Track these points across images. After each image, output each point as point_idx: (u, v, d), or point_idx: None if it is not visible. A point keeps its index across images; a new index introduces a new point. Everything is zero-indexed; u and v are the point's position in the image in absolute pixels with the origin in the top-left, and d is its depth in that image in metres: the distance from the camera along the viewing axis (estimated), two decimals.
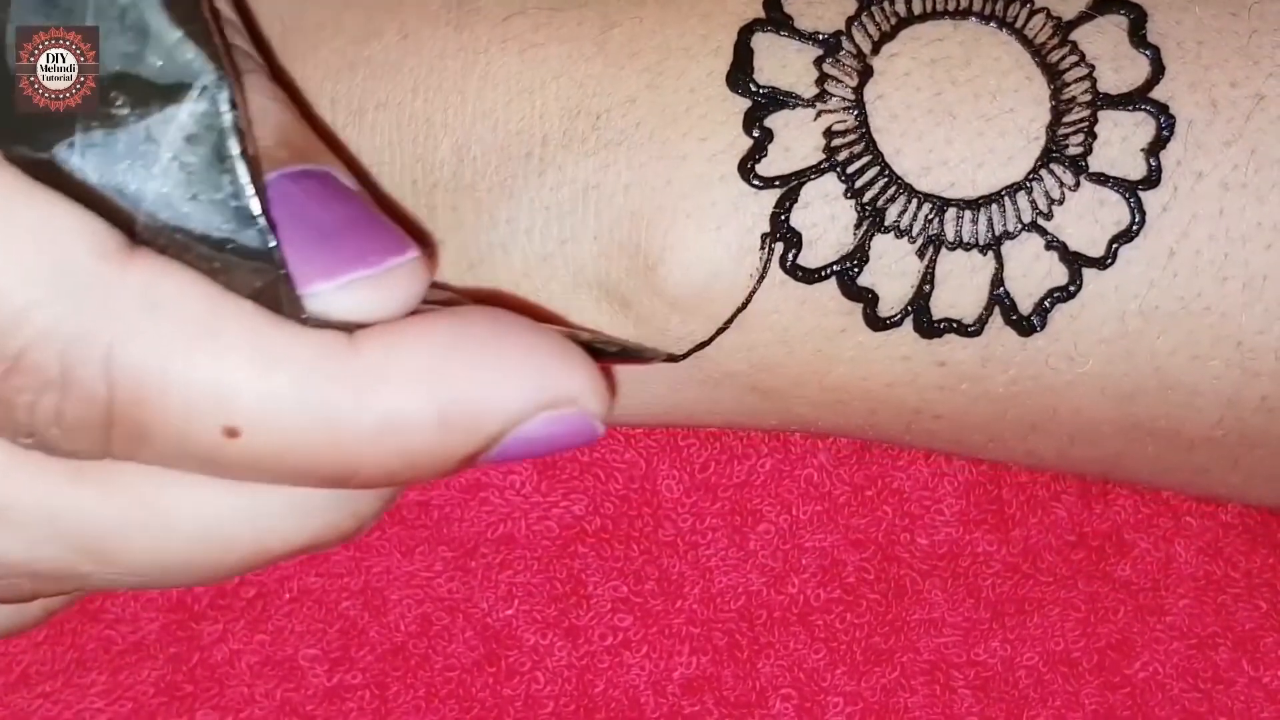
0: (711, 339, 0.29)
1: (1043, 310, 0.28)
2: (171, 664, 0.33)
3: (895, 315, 0.28)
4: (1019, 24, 0.28)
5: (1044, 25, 0.28)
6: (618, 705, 0.33)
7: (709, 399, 0.31)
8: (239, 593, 0.33)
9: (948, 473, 0.34)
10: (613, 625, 0.34)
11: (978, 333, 0.28)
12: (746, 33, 0.28)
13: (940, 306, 0.28)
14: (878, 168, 0.28)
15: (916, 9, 0.29)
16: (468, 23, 0.29)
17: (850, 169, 0.28)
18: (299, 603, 0.33)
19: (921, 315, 0.28)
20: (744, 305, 0.28)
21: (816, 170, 0.28)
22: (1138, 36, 0.28)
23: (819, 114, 0.28)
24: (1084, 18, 0.28)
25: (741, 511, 0.34)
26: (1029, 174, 0.28)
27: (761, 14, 0.29)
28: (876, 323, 0.28)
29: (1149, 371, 0.29)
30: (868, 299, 0.28)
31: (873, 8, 0.28)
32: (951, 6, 0.28)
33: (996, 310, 0.28)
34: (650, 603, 0.34)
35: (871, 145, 0.28)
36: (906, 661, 0.34)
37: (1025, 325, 0.28)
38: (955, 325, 0.28)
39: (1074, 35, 0.28)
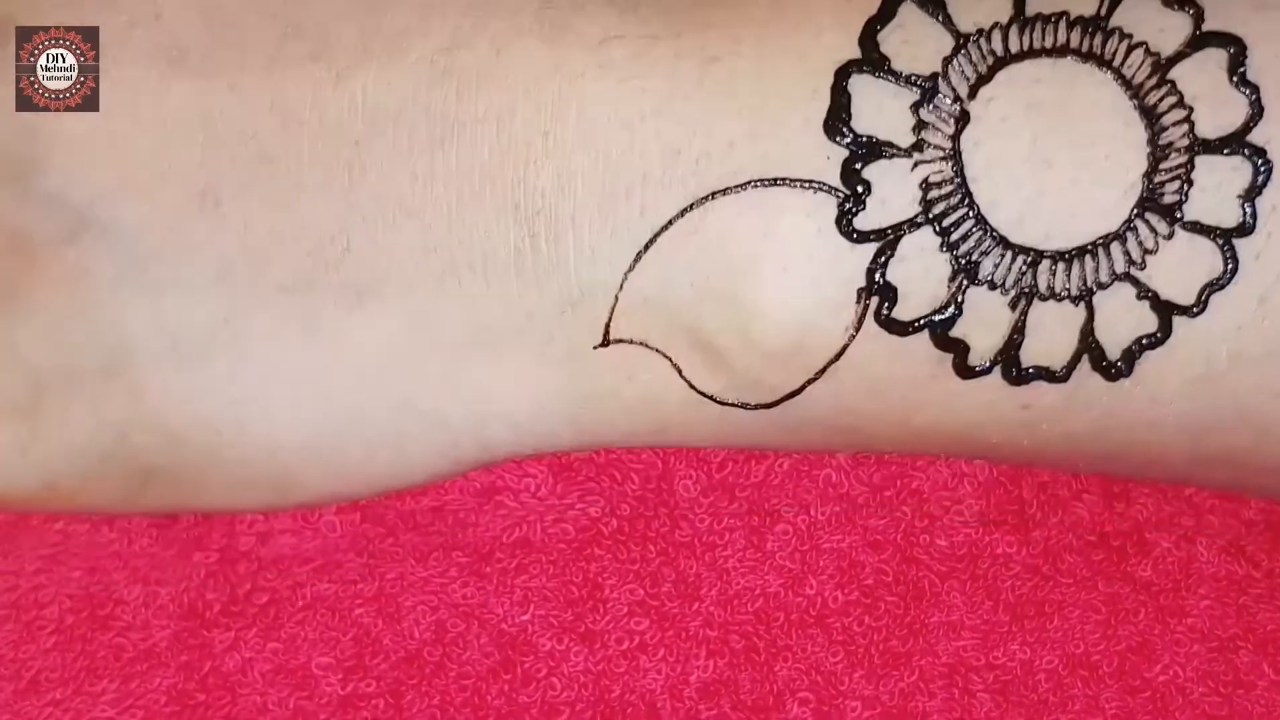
0: (801, 389, 0.29)
1: (1131, 357, 0.28)
2: (183, 672, 0.33)
3: (985, 365, 0.28)
4: (1117, 61, 0.28)
5: (1143, 62, 0.27)
6: (634, 710, 0.33)
7: (792, 437, 0.31)
8: (251, 600, 0.33)
9: (968, 473, 0.34)
10: (629, 629, 0.33)
11: (1065, 379, 0.28)
12: (843, 75, 0.28)
13: (1029, 355, 0.28)
14: (973, 220, 0.27)
15: (1013, 47, 0.28)
16: (562, 41, 0.29)
17: (946, 222, 0.27)
18: (312, 610, 0.33)
19: (1011, 364, 0.28)
20: (836, 358, 0.28)
21: (912, 224, 0.28)
22: (1238, 74, 0.27)
23: (916, 164, 0.28)
24: (1181, 55, 0.28)
25: (759, 512, 0.34)
26: (1124, 224, 0.27)
27: (856, 52, 0.28)
28: (966, 372, 0.28)
29: (1229, 409, 0.29)
30: (959, 349, 0.28)
31: (969, 46, 0.28)
32: (1049, 43, 0.28)
33: (1084, 358, 0.28)
34: (667, 605, 0.34)
35: (967, 197, 0.27)
36: (925, 665, 0.33)
37: (1113, 372, 0.28)
38: (1044, 372, 0.28)
39: (1173, 73, 0.27)
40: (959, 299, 0.28)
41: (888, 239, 0.28)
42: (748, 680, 0.33)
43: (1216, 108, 0.27)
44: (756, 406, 0.29)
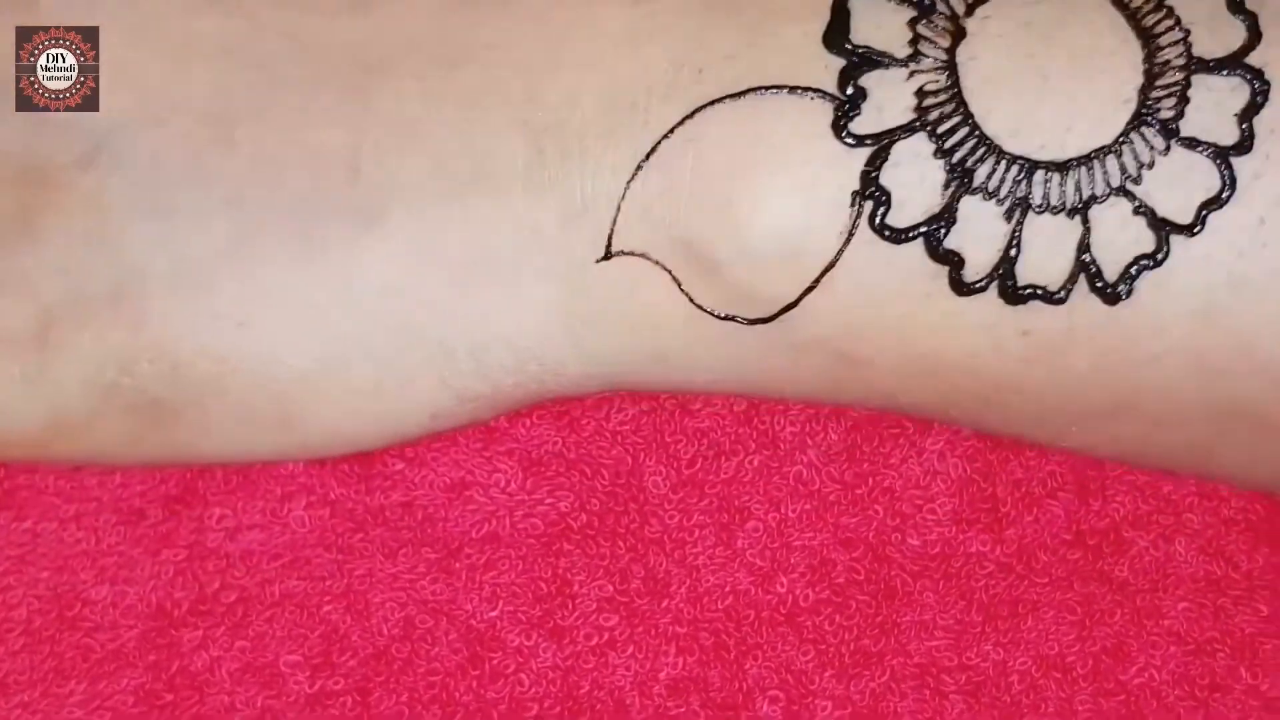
0: (800, 298, 0.29)
1: (1129, 277, 0.28)
2: (151, 672, 0.33)
3: (980, 281, 0.28)
4: None
5: None
6: (603, 706, 0.33)
7: (795, 366, 0.31)
8: (219, 598, 0.33)
9: (940, 471, 0.33)
10: (598, 625, 0.33)
11: (1063, 299, 0.28)
12: None
13: (1026, 272, 0.28)
14: (968, 128, 0.28)
15: None
16: None
17: (940, 129, 0.28)
18: (280, 607, 0.33)
19: (1007, 280, 0.28)
20: (833, 263, 0.28)
21: (907, 129, 0.28)
22: (1235, 2, 0.28)
23: (911, 74, 0.28)
24: None
25: (729, 509, 0.34)
26: (1119, 136, 0.27)
27: None
28: (961, 287, 0.28)
29: (1237, 349, 0.28)
30: (954, 262, 0.28)
31: None
32: None
33: (1082, 279, 0.28)
34: (636, 602, 0.33)
35: (962, 105, 0.28)
36: (896, 665, 0.33)
37: (1111, 293, 0.28)
38: (1040, 292, 0.28)
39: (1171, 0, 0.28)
40: (953, 207, 0.28)
41: (883, 143, 0.28)
42: (717, 678, 0.33)
43: (1214, 33, 0.28)
44: (755, 321, 0.29)
